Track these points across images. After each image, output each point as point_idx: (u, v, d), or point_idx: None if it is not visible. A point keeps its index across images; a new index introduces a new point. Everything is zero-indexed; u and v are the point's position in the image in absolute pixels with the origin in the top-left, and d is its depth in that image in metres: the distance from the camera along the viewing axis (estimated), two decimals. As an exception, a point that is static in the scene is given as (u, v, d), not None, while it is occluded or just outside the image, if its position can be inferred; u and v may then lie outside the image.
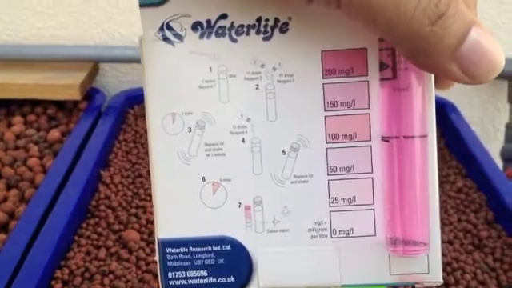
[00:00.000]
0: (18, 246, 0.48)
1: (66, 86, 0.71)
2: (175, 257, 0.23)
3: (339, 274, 0.23)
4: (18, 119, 0.71)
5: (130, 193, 0.57)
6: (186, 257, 0.23)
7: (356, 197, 0.23)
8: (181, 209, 0.23)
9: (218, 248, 0.23)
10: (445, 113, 0.69)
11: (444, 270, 0.47)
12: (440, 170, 0.62)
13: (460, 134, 0.65)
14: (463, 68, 0.19)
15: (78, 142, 0.63)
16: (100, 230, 0.52)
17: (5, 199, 0.57)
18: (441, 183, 0.60)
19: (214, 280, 0.23)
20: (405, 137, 0.22)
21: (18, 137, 0.68)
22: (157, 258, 0.23)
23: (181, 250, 0.23)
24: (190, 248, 0.23)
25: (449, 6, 0.18)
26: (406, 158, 0.22)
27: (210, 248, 0.23)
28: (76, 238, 0.51)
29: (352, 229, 0.23)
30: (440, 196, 0.59)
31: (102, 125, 0.67)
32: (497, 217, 0.54)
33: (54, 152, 0.64)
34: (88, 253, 0.49)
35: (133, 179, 0.60)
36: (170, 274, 0.23)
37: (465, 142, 0.63)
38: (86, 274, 0.47)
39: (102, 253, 0.49)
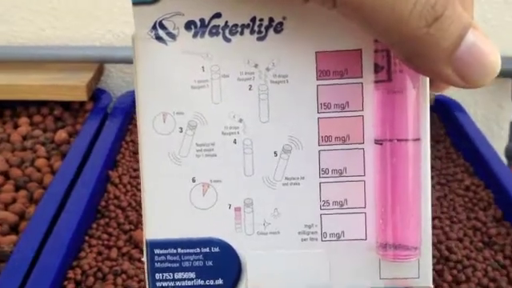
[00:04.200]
0: (30, 246, 0.48)
1: (72, 86, 0.71)
2: (163, 258, 0.23)
3: (329, 277, 0.23)
4: (24, 120, 0.71)
5: (138, 193, 0.58)
6: (174, 258, 0.23)
7: (348, 200, 0.22)
8: (170, 210, 0.22)
9: (207, 250, 0.22)
10: (450, 111, 0.69)
11: (455, 268, 0.47)
12: (447, 168, 0.62)
13: (466, 132, 0.65)
14: (459, 71, 0.18)
15: (85, 143, 0.63)
16: (110, 230, 0.52)
17: (14, 200, 0.57)
18: (448, 181, 0.60)
19: (202, 282, 0.23)
20: (398, 140, 0.21)
21: (24, 138, 0.68)
22: (144, 258, 0.23)
23: (169, 251, 0.23)
24: (179, 249, 0.23)
25: (446, 8, 0.18)
26: (399, 162, 0.21)
27: (198, 250, 0.23)
28: (87, 238, 0.51)
29: (343, 232, 0.22)
30: (448, 194, 0.59)
31: (109, 126, 0.67)
32: (505, 214, 0.54)
33: (61, 153, 0.64)
34: (99, 253, 0.50)
35: (141, 179, 0.60)
36: (157, 276, 0.23)
37: (471, 140, 0.64)
38: (99, 274, 0.47)
39: (114, 253, 0.49)
